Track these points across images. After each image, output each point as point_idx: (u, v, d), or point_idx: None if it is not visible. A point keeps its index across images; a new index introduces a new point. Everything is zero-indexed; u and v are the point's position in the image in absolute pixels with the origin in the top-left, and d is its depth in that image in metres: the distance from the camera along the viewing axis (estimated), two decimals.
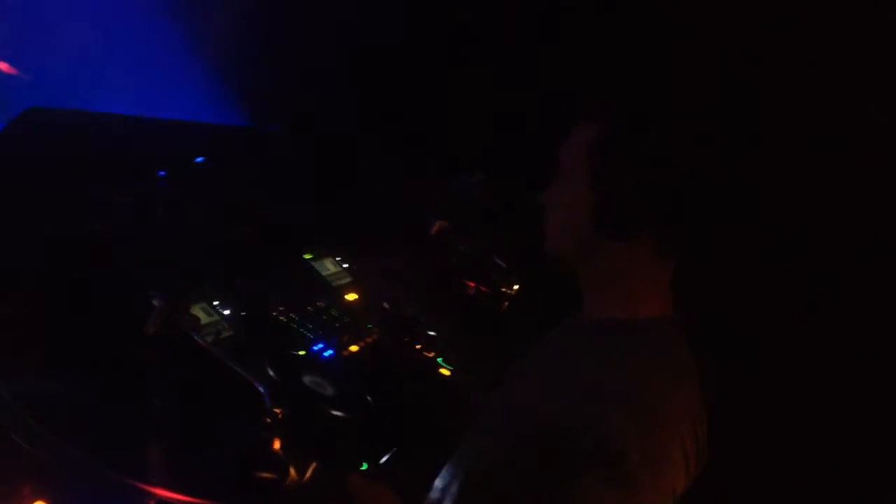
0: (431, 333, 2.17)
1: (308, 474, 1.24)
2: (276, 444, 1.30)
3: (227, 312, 1.81)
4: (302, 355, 1.82)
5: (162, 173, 1.98)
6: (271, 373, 1.64)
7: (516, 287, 2.62)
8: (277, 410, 1.32)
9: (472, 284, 2.56)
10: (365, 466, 1.61)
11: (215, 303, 1.81)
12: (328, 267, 2.31)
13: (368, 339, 2.06)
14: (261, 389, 1.36)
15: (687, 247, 1.32)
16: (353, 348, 1.98)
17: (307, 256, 2.28)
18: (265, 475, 1.31)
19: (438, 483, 1.45)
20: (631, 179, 1.24)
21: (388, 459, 1.68)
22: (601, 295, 1.35)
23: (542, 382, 1.35)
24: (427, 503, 1.47)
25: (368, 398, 1.75)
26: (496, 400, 1.47)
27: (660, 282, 1.33)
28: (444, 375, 2.13)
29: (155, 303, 1.43)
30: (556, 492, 1.14)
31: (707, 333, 1.34)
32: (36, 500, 1.04)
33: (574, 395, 1.22)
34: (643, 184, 1.24)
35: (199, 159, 2.15)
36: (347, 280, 2.32)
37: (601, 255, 1.31)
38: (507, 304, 2.57)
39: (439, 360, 2.15)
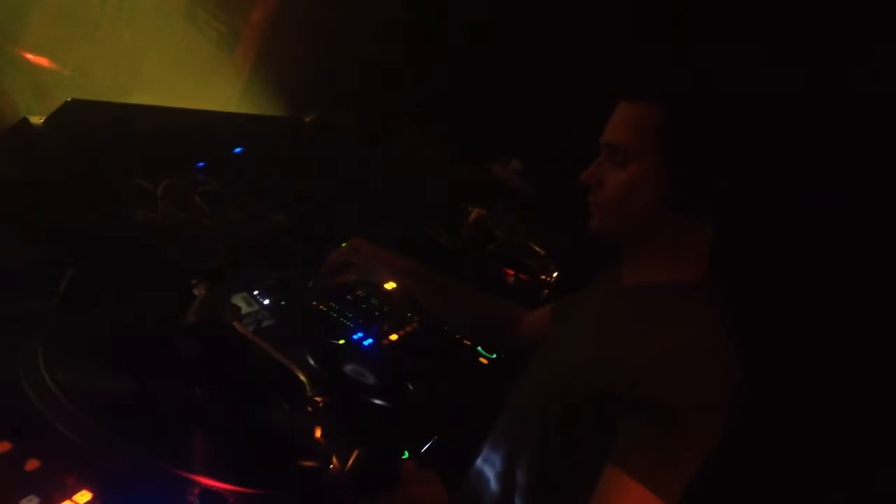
0: None
1: (350, 462, 1.24)
2: (318, 433, 1.30)
3: (267, 302, 1.82)
4: (342, 344, 1.82)
5: (201, 164, 1.99)
6: (312, 362, 1.64)
7: (555, 274, 2.60)
8: (319, 399, 1.32)
9: (511, 272, 2.55)
10: (406, 455, 1.60)
11: (255, 292, 1.82)
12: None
13: (408, 328, 2.05)
14: (302, 378, 1.36)
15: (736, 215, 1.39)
16: (393, 337, 1.98)
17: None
18: (307, 463, 1.31)
19: (480, 455, 1.52)
20: (712, 156, 1.29)
21: (428, 447, 1.68)
22: (647, 262, 1.40)
23: (593, 342, 1.41)
24: (469, 475, 1.52)
25: (409, 386, 1.74)
26: (544, 361, 1.53)
27: (703, 248, 1.38)
28: (482, 364, 2.12)
29: (196, 292, 1.43)
30: (611, 439, 1.20)
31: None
32: (80, 489, 1.04)
33: (626, 352, 1.28)
34: (723, 159, 1.30)
35: (238, 149, 2.16)
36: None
37: (660, 227, 1.35)
38: (546, 291, 2.56)
39: (478, 348, 2.14)
